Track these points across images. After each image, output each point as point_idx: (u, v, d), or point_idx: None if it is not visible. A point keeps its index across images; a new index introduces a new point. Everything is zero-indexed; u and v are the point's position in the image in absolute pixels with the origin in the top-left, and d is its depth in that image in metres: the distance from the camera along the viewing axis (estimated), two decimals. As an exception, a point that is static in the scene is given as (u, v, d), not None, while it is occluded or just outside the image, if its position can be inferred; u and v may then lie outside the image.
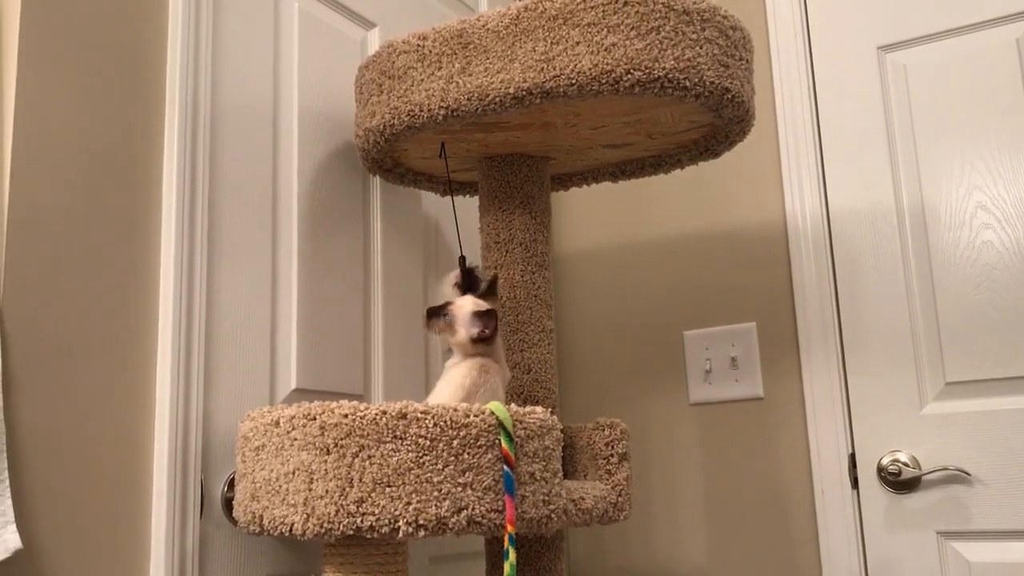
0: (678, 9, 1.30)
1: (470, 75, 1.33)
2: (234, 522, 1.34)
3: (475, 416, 1.10)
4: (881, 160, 1.88)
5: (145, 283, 1.29)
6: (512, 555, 1.09)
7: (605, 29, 1.28)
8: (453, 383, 1.29)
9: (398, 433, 1.07)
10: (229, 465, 1.36)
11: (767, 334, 1.94)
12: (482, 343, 1.31)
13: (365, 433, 1.06)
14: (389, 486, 1.05)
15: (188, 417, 1.29)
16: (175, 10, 1.37)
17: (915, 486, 1.76)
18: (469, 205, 1.86)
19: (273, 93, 1.55)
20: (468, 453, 1.08)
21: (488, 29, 1.33)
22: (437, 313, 1.33)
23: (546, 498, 1.15)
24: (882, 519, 1.78)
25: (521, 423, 1.14)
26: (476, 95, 1.32)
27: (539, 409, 1.18)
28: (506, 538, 1.09)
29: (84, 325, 1.20)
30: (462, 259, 1.50)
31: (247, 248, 1.45)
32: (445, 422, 1.08)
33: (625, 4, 1.28)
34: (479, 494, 1.08)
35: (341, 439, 1.06)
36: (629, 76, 1.27)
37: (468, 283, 1.46)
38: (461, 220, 1.77)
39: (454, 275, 1.51)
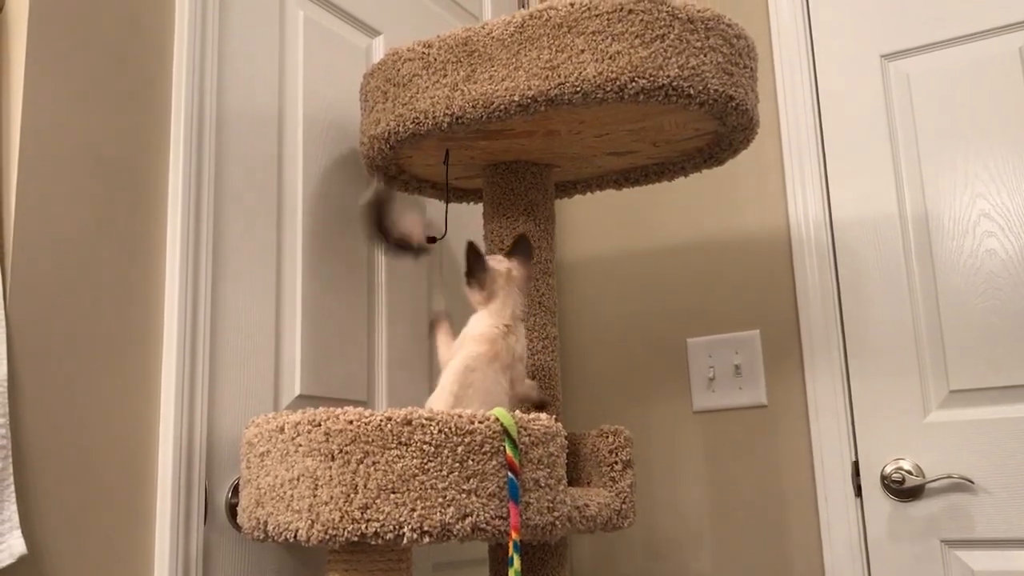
0: (682, 17, 1.31)
1: (475, 83, 1.34)
2: (238, 528, 1.34)
3: (480, 423, 1.10)
4: (884, 168, 1.88)
5: (150, 289, 1.29)
6: (516, 562, 1.09)
7: (610, 37, 1.28)
8: (443, 390, 1.29)
9: (403, 439, 1.07)
10: (233, 471, 1.36)
11: (771, 342, 1.94)
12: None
13: (370, 439, 1.06)
14: (394, 492, 1.05)
15: (192, 423, 1.29)
16: (181, 18, 1.38)
17: (919, 494, 1.76)
18: (474, 212, 1.86)
19: (278, 101, 1.55)
20: (473, 459, 1.08)
21: (493, 37, 1.34)
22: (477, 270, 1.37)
23: (550, 505, 1.15)
24: (885, 527, 1.78)
25: (525, 430, 1.14)
26: (481, 103, 1.33)
27: (543, 416, 1.18)
28: (510, 545, 1.09)
29: (89, 331, 1.20)
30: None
31: (252, 254, 1.45)
32: (450, 428, 1.08)
33: (630, 12, 1.29)
34: (483, 501, 1.08)
35: (346, 445, 1.06)
36: (634, 84, 1.27)
37: (520, 251, 1.43)
38: (467, 227, 1.77)
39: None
